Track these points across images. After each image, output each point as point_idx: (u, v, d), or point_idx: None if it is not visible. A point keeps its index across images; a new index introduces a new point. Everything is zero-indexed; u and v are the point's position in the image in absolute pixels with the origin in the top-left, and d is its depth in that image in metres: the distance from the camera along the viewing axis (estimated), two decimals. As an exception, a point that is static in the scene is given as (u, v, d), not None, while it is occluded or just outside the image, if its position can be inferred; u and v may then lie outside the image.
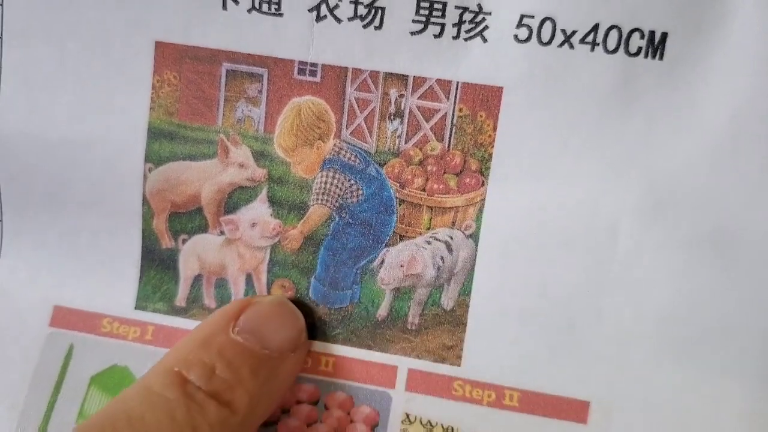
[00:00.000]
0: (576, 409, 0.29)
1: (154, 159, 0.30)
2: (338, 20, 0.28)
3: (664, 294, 0.28)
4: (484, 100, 0.28)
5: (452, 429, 0.29)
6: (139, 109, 0.30)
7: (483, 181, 0.29)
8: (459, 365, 0.30)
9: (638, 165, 0.28)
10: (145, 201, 0.31)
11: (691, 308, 0.28)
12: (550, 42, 0.27)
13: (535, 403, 0.29)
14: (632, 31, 0.27)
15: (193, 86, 0.30)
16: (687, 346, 0.28)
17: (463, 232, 0.29)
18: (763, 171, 0.27)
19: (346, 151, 0.30)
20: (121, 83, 0.30)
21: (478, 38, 0.28)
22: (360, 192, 0.30)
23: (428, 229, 0.30)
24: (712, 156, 0.27)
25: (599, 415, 0.29)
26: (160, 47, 0.29)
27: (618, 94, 0.27)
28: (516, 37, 0.27)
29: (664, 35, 0.27)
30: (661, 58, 0.27)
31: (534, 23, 0.27)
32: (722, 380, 0.28)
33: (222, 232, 0.31)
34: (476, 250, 0.29)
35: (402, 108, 0.29)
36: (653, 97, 0.27)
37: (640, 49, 0.27)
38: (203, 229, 0.31)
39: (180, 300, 0.31)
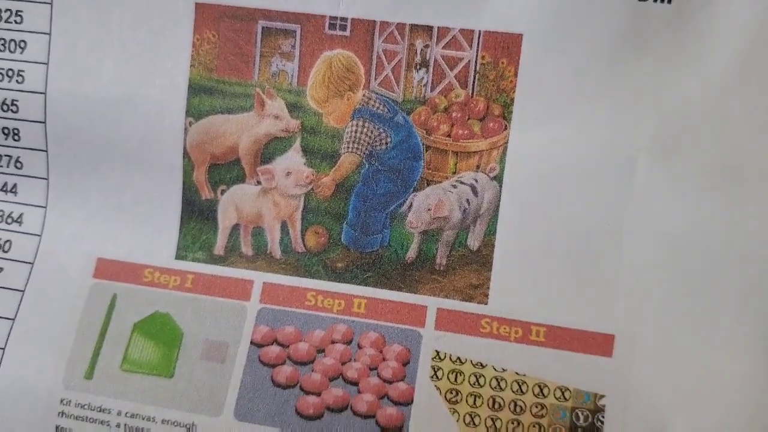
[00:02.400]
0: (601, 343, 0.31)
1: (194, 113, 0.33)
2: (366, -24, 0.31)
3: (680, 226, 0.30)
4: (506, 47, 0.31)
5: (481, 365, 0.31)
6: (180, 67, 0.33)
7: (506, 125, 0.31)
8: (486, 303, 0.32)
9: (650, 104, 0.30)
10: (185, 154, 0.33)
11: (707, 239, 0.30)
12: (565, -11, 0.30)
13: (561, 338, 0.31)
14: (642, -24, 0.29)
15: (231, 43, 0.33)
16: (705, 277, 0.30)
17: (487, 175, 0.32)
18: (769, 106, 0.29)
19: (374, 101, 0.32)
20: (163, 44, 0.33)
21: (498, -12, 0.30)
22: (388, 139, 0.32)
23: (454, 173, 0.32)
24: (720, 93, 0.30)
25: (623, 348, 0.30)
26: (201, 8, 0.32)
27: (629, 38, 0.30)
28: (533, -15, 0.30)
29: (673, -21, 0.29)
30: (669, 1, 0.29)
31: (550, -28, 0.30)
32: (740, 310, 0.30)
33: (258, 182, 0.33)
34: (500, 192, 0.32)
35: (427, 58, 0.32)
36: (662, 39, 0.30)
37: (650, -8, 0.29)
38: (241, 179, 0.33)
39: (219, 249, 0.34)
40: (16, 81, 0.34)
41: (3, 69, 0.34)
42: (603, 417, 0.30)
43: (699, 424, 0.30)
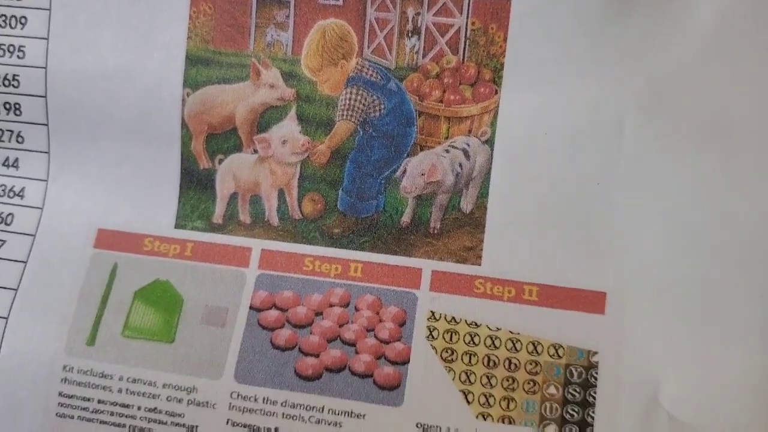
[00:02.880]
0: (593, 300, 0.31)
1: (191, 84, 0.34)
2: (358, -54, 0.32)
3: (669, 183, 0.31)
4: (495, 12, 0.32)
5: (475, 324, 0.32)
6: (177, 39, 0.34)
7: (496, 90, 0.32)
8: (479, 264, 0.32)
9: (637, 65, 0.31)
10: (183, 124, 0.34)
11: (696, 195, 0.31)
12: (552, -46, 0.31)
13: (553, 297, 0.32)
14: (627, -61, 0.30)
15: (227, 15, 0.33)
16: (695, 232, 0.31)
17: (479, 139, 0.33)
18: (753, 65, 0.30)
19: (368, 69, 0.33)
20: (160, 17, 0.34)
21: (486, -45, 0.31)
22: (382, 106, 0.33)
23: (446, 138, 0.33)
24: (705, 53, 0.30)
25: (616, 305, 0.31)
26: (196, -19, 0.33)
27: (615, 1, 0.31)
28: (521, -50, 0.31)
29: (656, -58, 0.30)
30: (655, -35, 0.30)
31: (536, -63, 0.31)
32: (731, 264, 0.31)
33: (255, 151, 0.34)
34: (492, 155, 0.32)
35: (419, 25, 0.32)
36: (648, 3, 0.31)
37: (634, -44, 0.30)
38: (238, 148, 0.34)
39: (217, 217, 0.34)
40: (17, 56, 0.35)
41: (4, 45, 0.35)
42: (596, 373, 0.31)
43: (692, 380, 0.30)
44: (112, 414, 0.33)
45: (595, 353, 0.31)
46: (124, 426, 0.33)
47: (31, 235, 0.35)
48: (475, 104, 0.32)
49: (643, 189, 0.31)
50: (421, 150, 0.33)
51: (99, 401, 0.33)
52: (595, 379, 0.31)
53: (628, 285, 0.31)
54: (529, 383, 0.31)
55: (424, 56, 0.33)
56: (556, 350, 0.31)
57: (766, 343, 0.30)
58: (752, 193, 0.30)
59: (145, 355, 0.33)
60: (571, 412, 0.31)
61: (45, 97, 0.35)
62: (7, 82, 0.35)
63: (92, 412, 0.33)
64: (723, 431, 0.30)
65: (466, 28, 0.32)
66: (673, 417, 0.30)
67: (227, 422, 0.32)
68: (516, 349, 0.31)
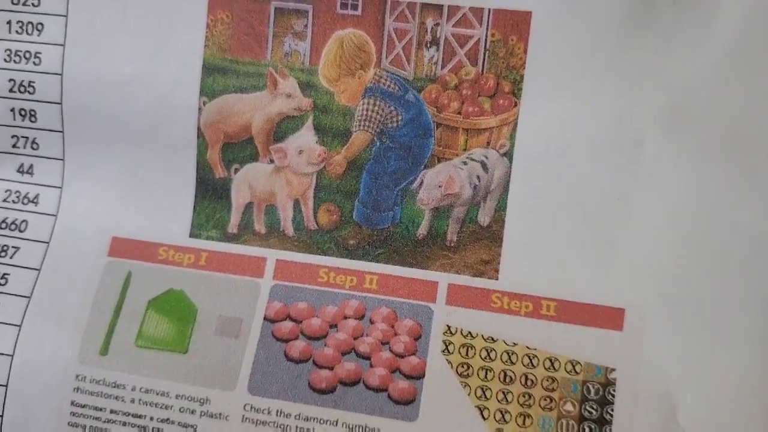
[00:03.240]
0: (611, 317, 0.31)
1: (208, 93, 0.34)
2: (378, -44, 0.32)
3: (689, 199, 0.31)
4: (515, 24, 0.31)
5: (492, 339, 0.32)
6: (194, 47, 0.34)
7: (515, 102, 0.32)
8: (497, 279, 0.32)
9: (657, 80, 0.31)
10: (199, 133, 0.34)
11: (715, 212, 0.30)
12: (573, -34, 0.31)
13: (571, 312, 0.31)
14: (649, -48, 0.30)
15: (244, 24, 0.33)
16: (714, 249, 0.30)
17: (497, 151, 0.32)
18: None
19: (385, 79, 0.33)
20: (177, 25, 0.34)
21: (507, -34, 0.31)
22: (399, 117, 0.33)
23: (464, 150, 0.33)
24: (724, 69, 0.30)
25: (634, 321, 0.31)
26: (214, -11, 0.33)
27: (636, 14, 0.30)
28: (542, -37, 0.31)
29: (679, -44, 0.30)
30: (676, -22, 0.30)
31: (558, -51, 0.30)
32: (750, 282, 0.30)
33: (271, 161, 0.34)
34: (510, 168, 0.32)
35: (438, 36, 0.32)
36: (668, 16, 0.30)
37: (657, -31, 0.30)
38: (254, 158, 0.34)
39: (232, 227, 0.34)
40: (33, 63, 0.35)
41: (21, 51, 0.35)
42: (614, 390, 0.31)
43: (710, 398, 0.30)
44: (124, 424, 0.33)
45: (613, 370, 0.31)
46: (136, 436, 0.32)
47: (45, 242, 0.35)
48: (494, 116, 0.32)
49: (662, 205, 0.31)
50: (439, 162, 0.33)
51: (111, 411, 0.33)
52: (613, 396, 0.31)
53: (647, 301, 0.31)
54: (545, 400, 0.31)
55: (442, 67, 0.32)
56: (573, 366, 0.31)
57: (785, 363, 0.30)
58: (766, 209, 0.30)
59: (158, 366, 0.33)
60: (587, 429, 0.30)
61: (60, 103, 0.35)
62: (22, 89, 0.35)
63: (104, 422, 0.33)
64: (742, 451, 0.29)
65: (486, 40, 0.32)
66: (692, 436, 0.30)
67: (240, 434, 0.32)
68: (533, 365, 0.31)
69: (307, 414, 0.32)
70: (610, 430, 0.30)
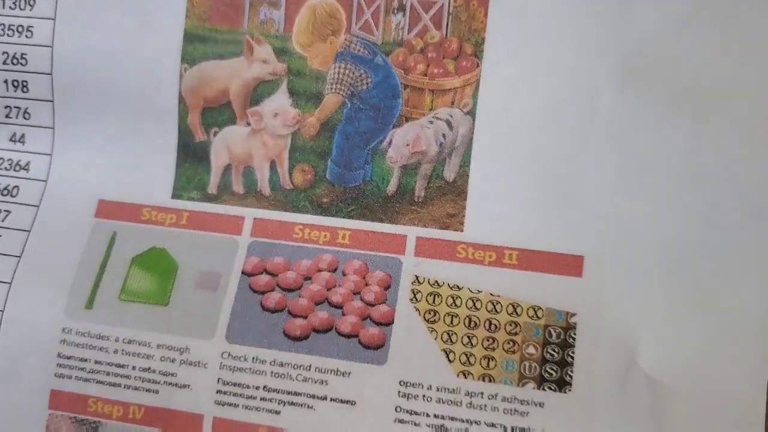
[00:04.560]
0: (571, 264, 0.33)
1: (188, 60, 0.36)
2: (346, -72, 0.34)
3: (645, 149, 0.32)
4: (475, -11, 0.34)
5: (457, 287, 0.33)
6: (177, 18, 0.36)
7: (477, 63, 0.34)
8: (462, 231, 0.34)
9: (612, 39, 0.33)
10: (180, 99, 0.36)
11: (668, 160, 0.32)
12: (528, -68, 0.33)
13: (532, 260, 0.33)
14: None
15: (223, -6, 0.36)
16: (670, 195, 0.32)
17: (461, 110, 0.34)
18: (725, 34, 0.32)
19: (355, 44, 0.35)
20: (160, -2, 0.36)
21: (467, -65, 0.33)
22: (369, 80, 0.35)
23: (430, 109, 0.35)
24: (677, 27, 0.32)
25: (593, 268, 0.32)
26: (195, -37, 0.36)
27: (591, -23, 0.33)
28: (499, -70, 0.33)
29: None
30: (628, -59, 0.32)
31: None
32: (706, 227, 0.32)
33: (248, 124, 0.36)
34: (474, 125, 0.34)
35: (404, 2, 0.34)
36: None
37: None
38: (232, 121, 0.36)
39: (212, 188, 0.36)
40: (26, 36, 0.37)
41: (14, 25, 0.37)
42: (575, 334, 0.32)
43: (669, 340, 0.31)
44: (108, 374, 0.34)
45: (573, 315, 0.32)
46: (119, 386, 0.34)
47: (35, 206, 0.37)
48: (458, 77, 0.34)
49: (619, 156, 0.33)
50: (407, 121, 0.35)
51: (96, 362, 0.34)
52: (574, 339, 0.32)
53: (605, 249, 0.32)
54: (508, 343, 0.32)
55: (409, 32, 0.35)
56: (535, 312, 0.33)
57: (742, 304, 0.31)
58: (725, 158, 0.32)
59: (141, 318, 0.35)
60: (549, 371, 0.32)
61: (51, 74, 0.37)
62: (15, 61, 0.37)
63: (89, 372, 0.34)
64: (700, 392, 0.31)
65: (449, 5, 0.34)
66: (650, 377, 0.31)
67: (218, 381, 0.33)
68: (496, 310, 0.33)
69: (281, 360, 0.33)
70: (572, 371, 0.32)
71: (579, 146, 0.33)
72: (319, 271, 0.35)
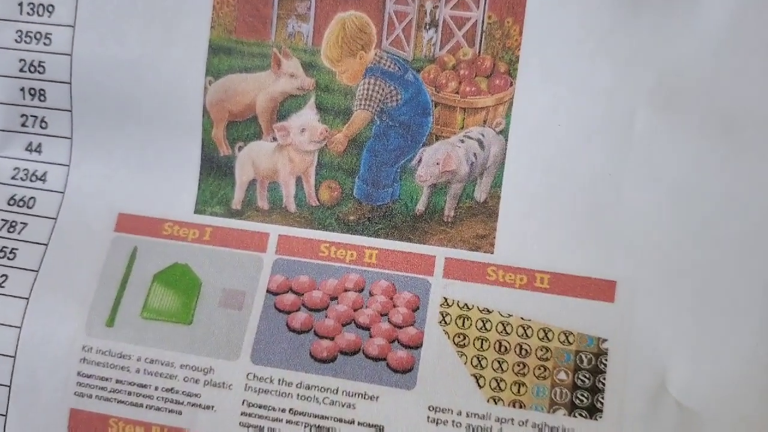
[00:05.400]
0: (603, 288, 0.32)
1: (213, 73, 0.35)
2: (379, -60, 0.33)
3: (679, 174, 0.32)
4: (511, 6, 0.33)
5: (488, 310, 0.33)
6: (201, 29, 0.35)
7: (511, 82, 0.33)
8: (492, 252, 0.33)
9: (648, 61, 0.32)
10: (205, 112, 0.35)
11: (706, 187, 0.32)
12: (567, -50, 0.32)
13: (564, 284, 0.33)
14: (640, -63, 0.32)
15: (250, 6, 0.35)
16: (704, 223, 0.32)
17: (493, 129, 0.34)
18: (762, 59, 0.31)
19: (386, 60, 0.34)
20: (184, 7, 0.35)
21: (504, -50, 0.33)
22: (399, 96, 0.34)
23: (462, 128, 0.34)
24: (714, 50, 0.32)
25: (625, 294, 0.32)
26: (221, -28, 0.35)
27: (629, -3, 0.32)
28: (536, -54, 0.32)
29: (669, -60, 0.31)
30: (666, -39, 0.32)
31: (552, -67, 0.32)
32: (740, 256, 0.31)
33: (274, 138, 0.35)
34: (506, 145, 0.34)
35: (437, 18, 0.34)
36: None
37: (647, -47, 0.32)
38: (257, 136, 0.36)
39: (236, 203, 0.36)
40: (44, 43, 0.36)
41: (32, 32, 0.36)
42: (606, 360, 0.32)
43: (701, 368, 0.31)
44: (129, 394, 0.34)
45: (605, 340, 0.32)
46: (141, 406, 0.34)
47: (53, 218, 0.36)
48: (491, 96, 0.34)
49: (653, 180, 0.32)
50: (437, 140, 0.34)
51: (117, 381, 0.34)
52: (605, 365, 0.32)
53: (638, 274, 0.32)
54: (539, 369, 0.32)
55: (441, 48, 0.34)
56: (567, 337, 0.32)
57: (773, 333, 0.31)
58: (760, 185, 0.31)
59: (163, 337, 0.34)
60: (580, 397, 0.32)
61: (70, 83, 0.36)
62: (32, 68, 0.36)
63: (110, 391, 0.34)
64: (731, 419, 0.30)
65: (483, 22, 0.33)
66: (681, 404, 0.31)
67: (243, 403, 0.33)
68: (527, 335, 0.32)
69: (308, 382, 0.33)
70: (602, 397, 0.31)
71: (614, 168, 0.33)
72: (346, 290, 0.34)
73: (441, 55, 0.34)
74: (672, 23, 0.32)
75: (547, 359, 0.32)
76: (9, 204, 0.37)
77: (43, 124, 0.37)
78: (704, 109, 0.32)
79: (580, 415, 0.31)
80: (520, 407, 0.32)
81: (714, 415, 0.31)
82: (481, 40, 0.34)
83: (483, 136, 0.34)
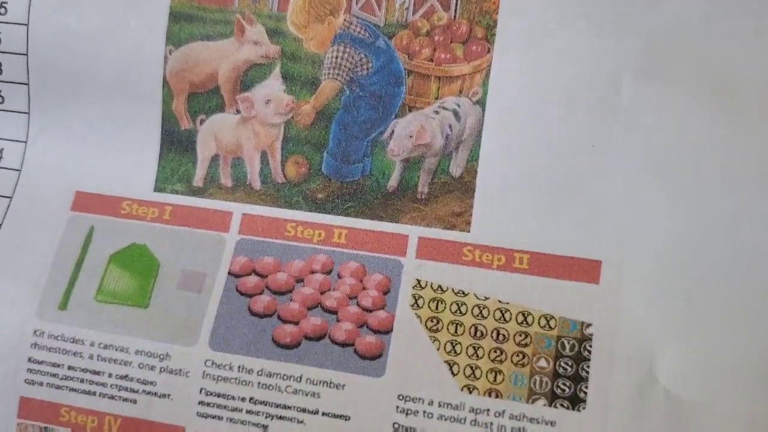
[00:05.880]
0: (587, 269, 0.30)
1: (174, 41, 0.33)
2: None
3: (668, 145, 0.30)
4: (487, -33, 0.31)
5: (463, 293, 0.31)
6: (161, -5, 0.33)
7: (489, 48, 0.31)
8: (468, 231, 0.31)
9: (635, 24, 0.30)
10: (165, 83, 0.34)
11: (695, 156, 0.29)
12: None
13: (545, 265, 0.31)
14: None
15: (212, -30, 0.33)
16: (694, 195, 0.30)
17: (470, 99, 0.32)
18: (753, 22, 0.29)
19: (356, 26, 0.32)
20: (144, -27, 0.33)
21: None
22: (370, 65, 0.32)
23: (436, 98, 0.32)
24: (705, 11, 0.29)
25: (611, 275, 0.30)
26: (181, -65, 0.33)
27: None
28: None
29: None
30: None
31: None
32: (730, 229, 0.29)
33: (238, 111, 0.33)
34: (483, 116, 0.31)
35: (409, -20, 0.32)
36: None
37: None
38: (220, 108, 0.34)
39: (198, 180, 0.34)
40: (-1, 13, 0.34)
41: (-15, 0, 0.34)
42: (590, 346, 0.30)
43: (691, 354, 0.29)
44: (82, 381, 0.32)
45: (589, 325, 0.30)
46: (94, 394, 0.32)
47: (8, 197, 0.34)
48: (467, 63, 0.31)
49: (640, 151, 0.30)
50: (410, 111, 0.32)
51: (69, 367, 0.32)
52: (589, 352, 0.29)
53: (625, 253, 0.30)
54: (517, 355, 0.30)
55: (414, 13, 0.32)
56: (548, 321, 0.30)
57: (767, 317, 0.29)
58: (758, 153, 0.29)
59: (118, 320, 0.32)
60: (562, 386, 0.29)
61: (26, 55, 0.34)
62: (-13, 40, 0.34)
63: (62, 378, 0.32)
64: (721, 407, 0.28)
65: (458, -16, 0.31)
66: (670, 393, 0.29)
67: (200, 391, 0.31)
68: (505, 319, 0.30)
69: (270, 369, 0.31)
70: (586, 387, 0.29)
71: (598, 139, 0.30)
72: (313, 272, 0.32)
73: (414, 20, 0.32)
74: (660, -16, 0.30)
75: (526, 345, 0.30)
76: (-38, 182, 0.35)
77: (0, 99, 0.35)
78: (694, 74, 0.30)
79: (562, 405, 0.29)
80: (497, 396, 0.29)
81: (705, 403, 0.28)
82: (456, 4, 0.31)
83: (459, 106, 0.32)
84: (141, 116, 0.34)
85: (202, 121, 0.34)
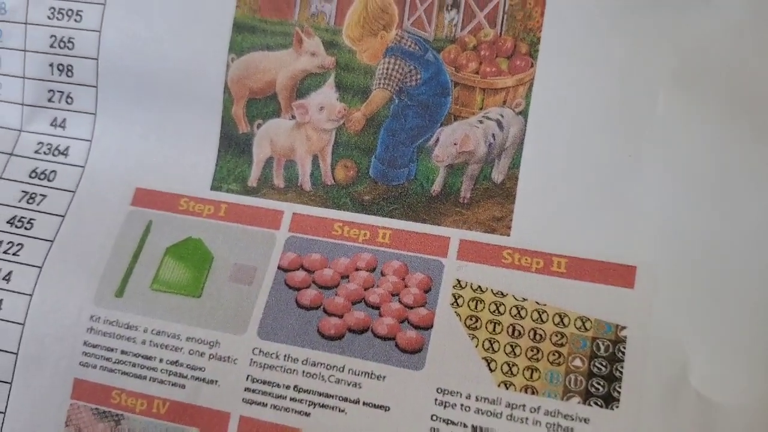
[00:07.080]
0: (622, 274, 0.31)
1: (236, 50, 0.36)
2: None
3: (701, 156, 0.31)
4: (532, -13, 0.33)
5: (501, 294, 0.32)
6: (226, 7, 0.36)
7: (532, 63, 0.33)
8: (508, 235, 0.33)
9: (668, 41, 0.32)
10: (226, 89, 0.36)
11: (729, 165, 0.31)
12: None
13: (582, 269, 0.32)
14: None
15: (275, -15, 0.35)
16: (728, 204, 0.31)
17: (513, 110, 0.33)
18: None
19: (406, 40, 0.34)
20: (211, -14, 0.36)
21: (527, -68, 0.33)
22: (418, 76, 0.34)
23: (481, 108, 0.34)
24: (737, 26, 0.31)
25: (646, 280, 0.31)
26: (248, -47, 0.35)
27: (651, -22, 0.32)
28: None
29: None
30: (689, -58, 0.32)
31: None
32: (762, 238, 0.30)
33: (293, 117, 0.35)
34: (525, 126, 0.33)
35: (458, -1, 0.34)
36: None
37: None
38: (276, 114, 0.36)
39: (252, 180, 0.36)
40: (75, 20, 0.37)
41: (63, 8, 0.37)
42: (624, 348, 0.31)
43: (722, 358, 0.30)
44: (134, 365, 0.33)
45: (624, 328, 0.31)
46: (144, 378, 0.33)
47: (72, 191, 0.37)
48: (511, 76, 0.33)
49: (674, 162, 0.31)
50: (455, 120, 0.34)
51: (122, 352, 0.34)
52: (623, 353, 0.31)
53: (659, 259, 0.31)
54: (554, 354, 0.31)
55: (462, 29, 0.34)
56: (583, 323, 0.31)
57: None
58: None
59: (172, 308, 0.34)
60: (596, 385, 0.30)
61: (97, 59, 0.37)
62: (62, 44, 0.37)
63: (115, 362, 0.33)
64: (752, 410, 0.29)
65: (505, 3, 0.33)
66: (702, 396, 0.29)
67: (247, 378, 0.32)
68: (542, 320, 0.31)
69: (314, 359, 0.32)
70: (620, 386, 0.30)
71: (634, 150, 0.32)
72: (357, 270, 0.34)
73: (462, 35, 0.34)
74: (693, 4, 0.32)
75: (562, 345, 0.31)
76: (30, 177, 0.37)
77: (69, 100, 0.38)
78: (727, 89, 0.31)
79: (596, 403, 0.30)
80: (533, 393, 0.31)
81: (735, 406, 0.29)
82: (502, 21, 0.34)
83: (502, 116, 0.34)
84: (201, 119, 0.36)
85: (259, 126, 0.36)
